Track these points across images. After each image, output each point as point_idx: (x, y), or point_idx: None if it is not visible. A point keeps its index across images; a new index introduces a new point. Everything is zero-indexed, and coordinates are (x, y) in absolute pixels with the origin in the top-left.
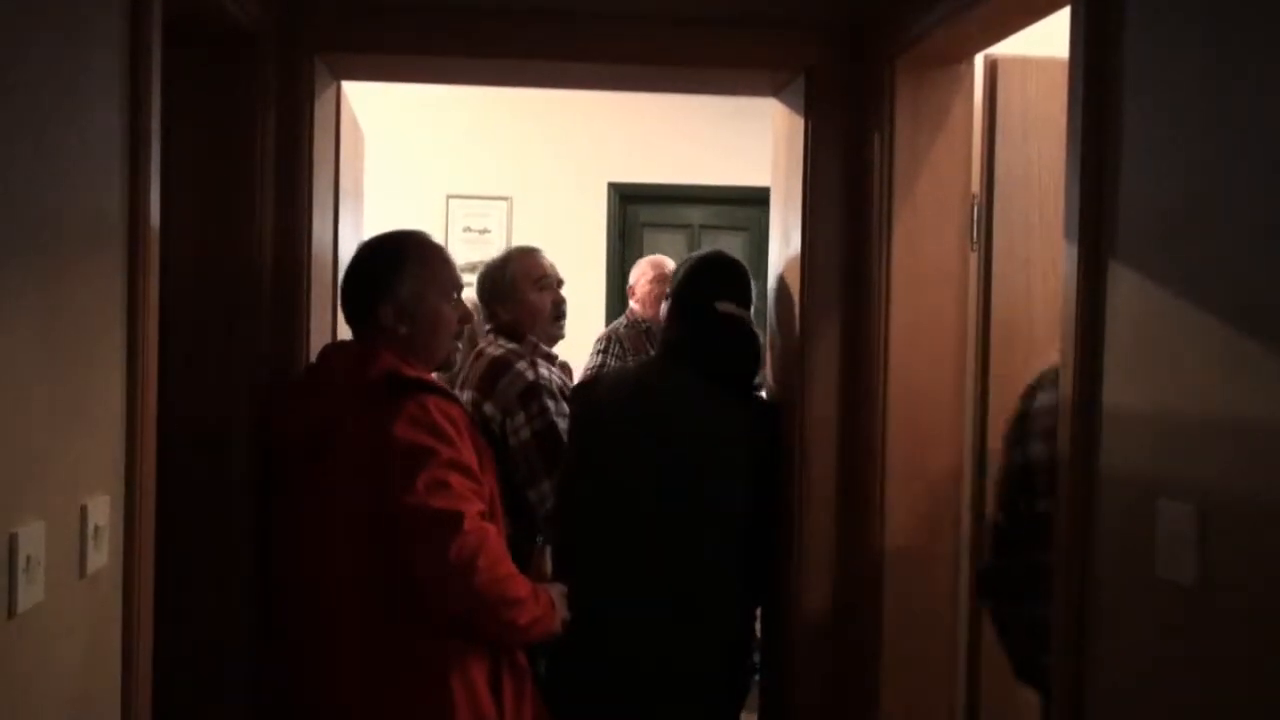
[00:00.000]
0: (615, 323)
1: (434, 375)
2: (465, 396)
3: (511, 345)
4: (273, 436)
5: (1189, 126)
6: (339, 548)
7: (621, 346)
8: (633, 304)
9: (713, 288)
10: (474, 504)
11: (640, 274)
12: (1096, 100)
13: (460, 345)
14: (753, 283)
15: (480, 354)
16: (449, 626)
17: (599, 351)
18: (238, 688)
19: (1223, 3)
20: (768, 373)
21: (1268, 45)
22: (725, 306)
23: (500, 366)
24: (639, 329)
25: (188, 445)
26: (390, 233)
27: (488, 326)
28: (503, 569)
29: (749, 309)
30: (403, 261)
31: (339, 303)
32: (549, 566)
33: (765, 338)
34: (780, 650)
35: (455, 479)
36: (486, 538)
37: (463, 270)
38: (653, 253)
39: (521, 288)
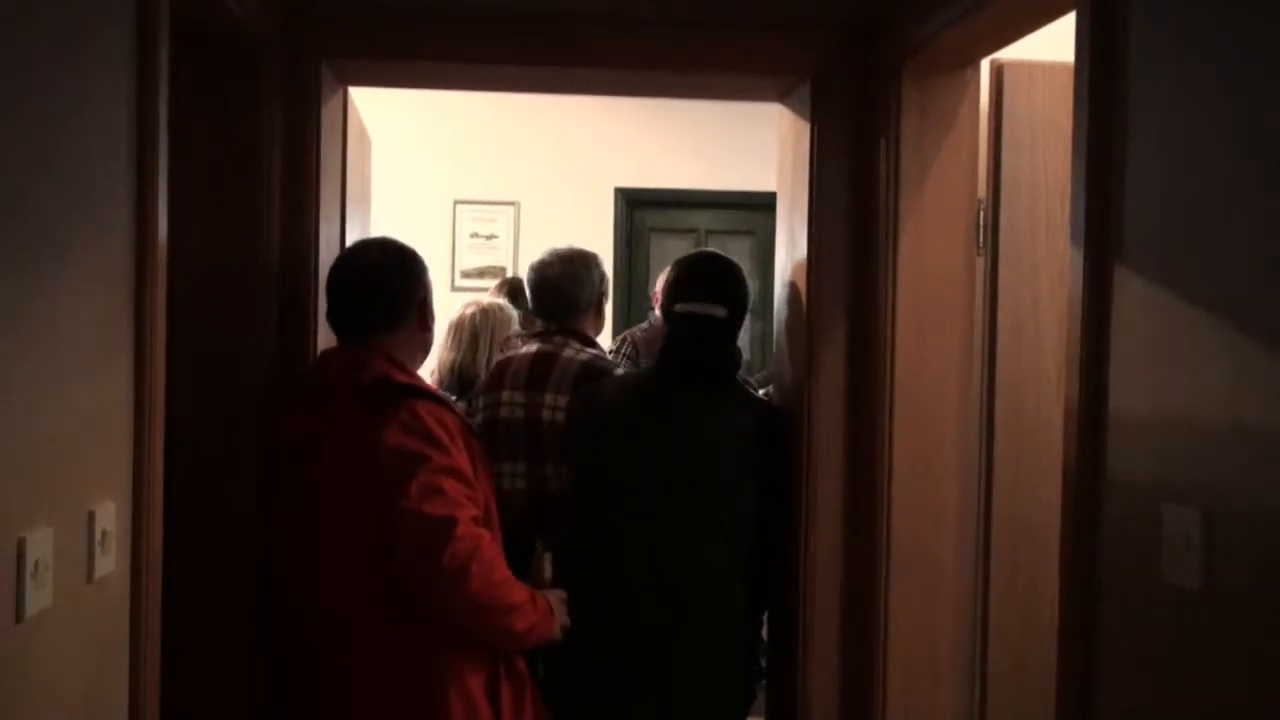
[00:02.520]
0: (636, 326)
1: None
2: (556, 400)
3: (595, 350)
4: (270, 440)
5: (1195, 131)
6: (334, 553)
7: (635, 349)
8: (656, 309)
9: (679, 289)
10: (468, 509)
11: (661, 281)
12: (1102, 105)
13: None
14: (746, 280)
15: (556, 357)
16: (446, 632)
17: (613, 352)
18: (243, 693)
19: (1228, 8)
20: (774, 377)
21: (1273, 50)
22: (684, 306)
23: (592, 372)
24: (655, 333)
25: (195, 450)
26: (386, 238)
27: (548, 327)
28: (497, 574)
29: (732, 305)
30: (422, 263)
31: (351, 306)
32: (548, 572)
33: (762, 335)
34: (787, 655)
35: (449, 484)
36: (480, 543)
37: (468, 275)
38: (659, 257)
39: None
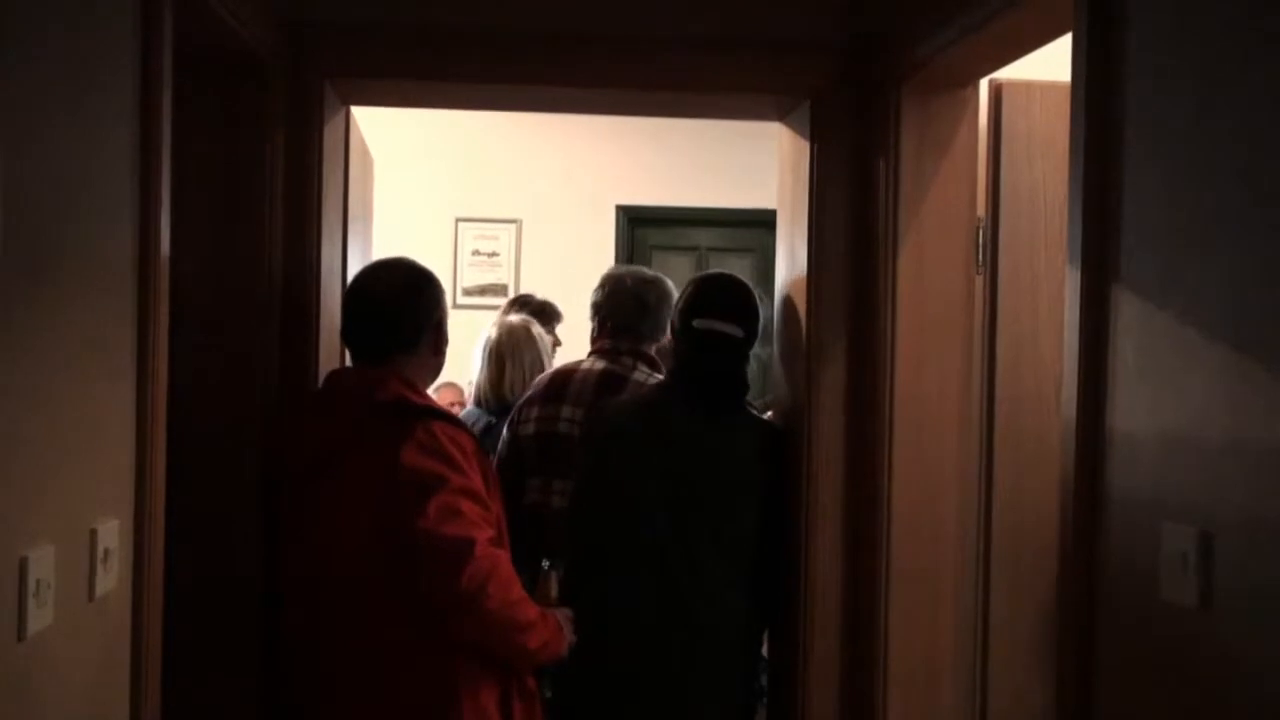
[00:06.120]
0: None
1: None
2: (574, 413)
3: (660, 376)
4: (279, 461)
5: (1190, 150)
6: (349, 571)
7: None
8: None
9: (697, 305)
10: (485, 530)
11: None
12: (1098, 125)
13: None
14: (759, 301)
15: (625, 379)
16: (460, 649)
17: None
18: (248, 710)
19: (1223, 27)
20: (773, 395)
21: (1267, 69)
22: (703, 323)
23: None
24: (660, 351)
25: (197, 469)
26: (405, 259)
27: (618, 345)
28: (514, 593)
29: (748, 326)
30: (440, 287)
31: (369, 327)
32: (555, 591)
33: (771, 358)
34: (788, 673)
35: (466, 505)
36: (498, 563)
37: (470, 293)
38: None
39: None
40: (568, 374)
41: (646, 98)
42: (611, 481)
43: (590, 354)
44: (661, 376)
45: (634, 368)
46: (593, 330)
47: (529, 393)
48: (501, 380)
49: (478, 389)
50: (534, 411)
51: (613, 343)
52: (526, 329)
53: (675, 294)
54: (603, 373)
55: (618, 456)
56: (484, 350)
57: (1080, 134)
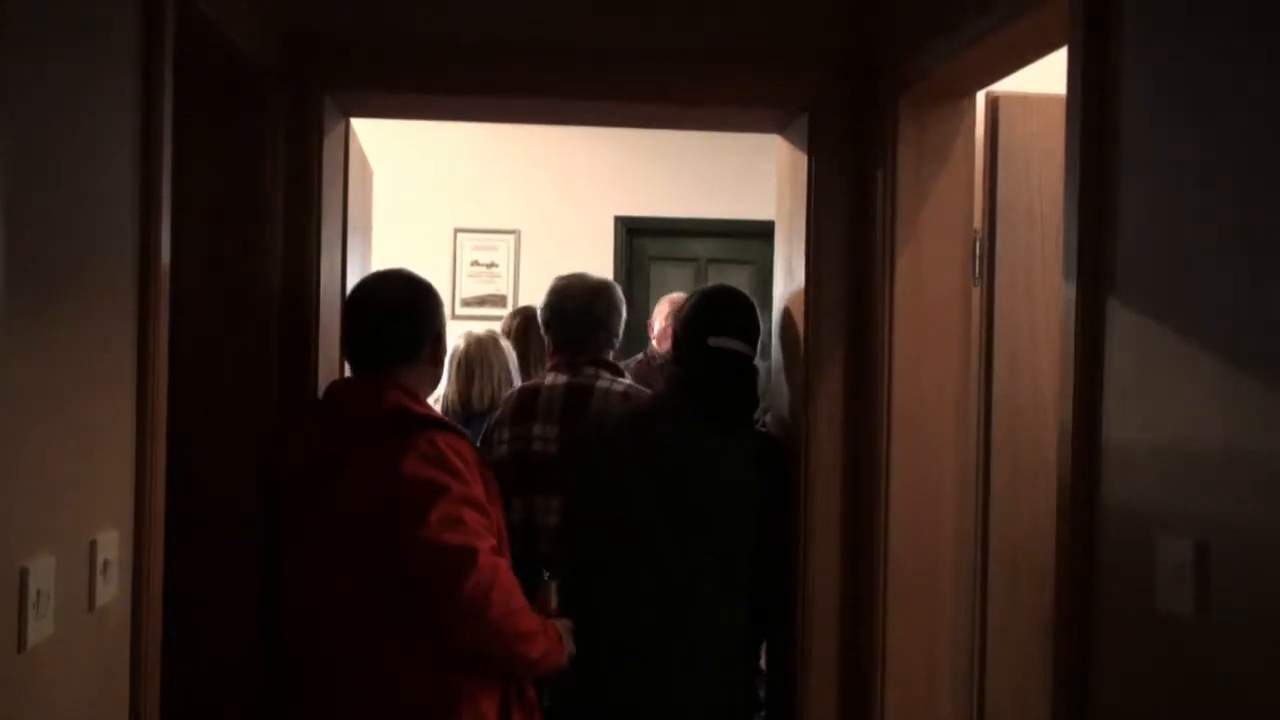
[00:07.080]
0: (631, 358)
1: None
2: (544, 430)
3: (627, 381)
4: (279, 471)
5: (1186, 163)
6: (348, 581)
7: None
8: (653, 341)
9: (709, 322)
10: (486, 539)
11: (659, 312)
12: (1094, 138)
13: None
14: (761, 317)
15: (591, 389)
16: (460, 659)
17: None
18: (248, 718)
19: (1219, 41)
20: (771, 406)
21: (1262, 83)
22: (718, 341)
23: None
24: (652, 364)
25: (197, 478)
26: (405, 270)
27: (575, 359)
28: (515, 602)
29: (753, 343)
30: (439, 298)
31: (373, 337)
32: (554, 602)
33: (769, 371)
34: (785, 684)
35: (468, 514)
36: (499, 572)
37: (469, 304)
38: (659, 286)
39: None
40: (533, 391)
41: (645, 110)
42: (607, 491)
43: (549, 369)
44: (626, 380)
45: (597, 376)
46: (548, 344)
47: (497, 414)
48: (470, 390)
49: (445, 399)
50: (505, 433)
51: (570, 356)
52: (494, 340)
53: (623, 300)
54: (567, 386)
55: (613, 466)
56: (451, 361)
57: (1076, 146)
